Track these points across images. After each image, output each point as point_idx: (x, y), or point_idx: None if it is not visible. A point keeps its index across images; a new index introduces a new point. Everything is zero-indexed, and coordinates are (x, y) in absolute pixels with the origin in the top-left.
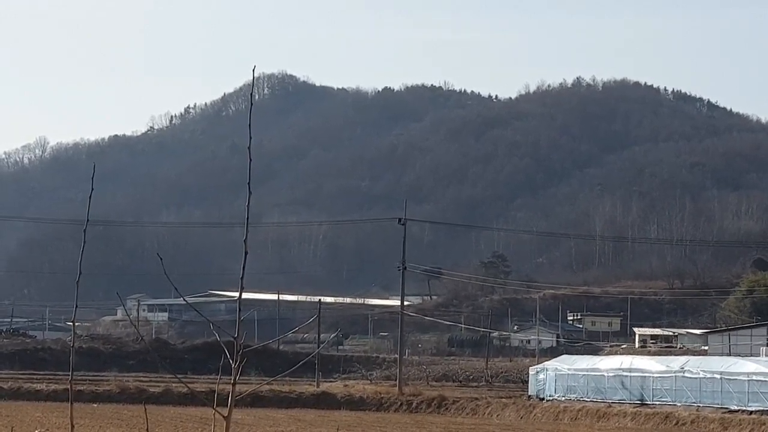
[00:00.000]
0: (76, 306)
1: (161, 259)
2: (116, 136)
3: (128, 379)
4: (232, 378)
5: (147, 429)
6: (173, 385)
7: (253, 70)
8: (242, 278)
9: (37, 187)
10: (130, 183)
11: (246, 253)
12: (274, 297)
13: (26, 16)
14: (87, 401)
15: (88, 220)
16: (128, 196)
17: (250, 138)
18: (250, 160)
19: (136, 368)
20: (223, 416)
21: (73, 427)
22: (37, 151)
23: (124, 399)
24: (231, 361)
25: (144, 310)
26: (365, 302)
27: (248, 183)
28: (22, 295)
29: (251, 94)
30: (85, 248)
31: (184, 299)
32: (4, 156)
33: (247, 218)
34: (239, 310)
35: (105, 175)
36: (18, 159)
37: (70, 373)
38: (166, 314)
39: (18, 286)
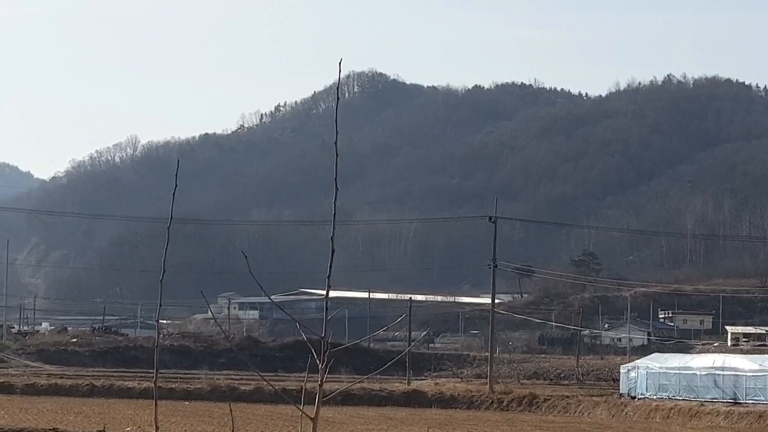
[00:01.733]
0: (160, 305)
1: (246, 257)
2: (207, 134)
3: (219, 377)
4: (319, 379)
5: (233, 428)
6: (264, 383)
7: (340, 63)
8: (329, 276)
9: (128, 186)
10: (221, 181)
11: (333, 250)
12: (364, 295)
13: (118, 18)
14: (178, 399)
15: (171, 217)
16: (219, 195)
17: (337, 133)
18: (337, 155)
19: (227, 366)
20: (310, 417)
21: (157, 428)
22: (128, 149)
23: (215, 397)
24: (318, 361)
25: (235, 308)
26: (456, 300)
27: (335, 179)
28: (114, 293)
29: (338, 87)
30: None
31: (269, 298)
32: (96, 155)
33: (334, 214)
34: (326, 308)
35: (196, 174)
36: (110, 157)
37: (154, 371)
38: (257, 312)
39: (110, 284)
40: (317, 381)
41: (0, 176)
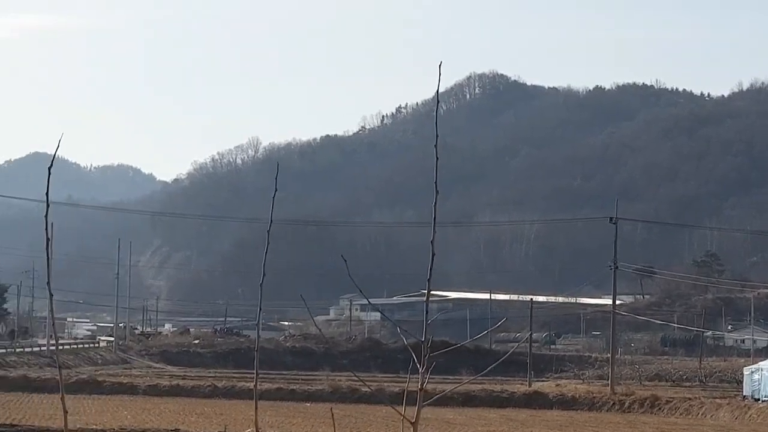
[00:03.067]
0: (260, 309)
1: (345, 261)
2: (328, 136)
3: (340, 379)
4: (419, 382)
5: (334, 429)
6: (385, 383)
7: (440, 66)
8: (429, 279)
9: (249, 188)
10: (342, 183)
11: (433, 254)
12: (486, 296)
13: (240, 20)
14: (300, 400)
15: (271, 221)
16: (340, 196)
17: (437, 136)
18: (437, 159)
19: (349, 367)
20: (411, 422)
21: (257, 430)
22: (249, 151)
23: (337, 398)
24: (418, 365)
25: (357, 310)
26: (577, 301)
27: (435, 182)
28: (236, 294)
29: (437, 91)
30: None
31: (368, 301)
32: (217, 156)
33: (434, 218)
34: (426, 311)
35: (316, 175)
36: (231, 159)
37: (255, 373)
38: (378, 314)
39: (232, 285)
40: (420, 382)
41: (123, 179)
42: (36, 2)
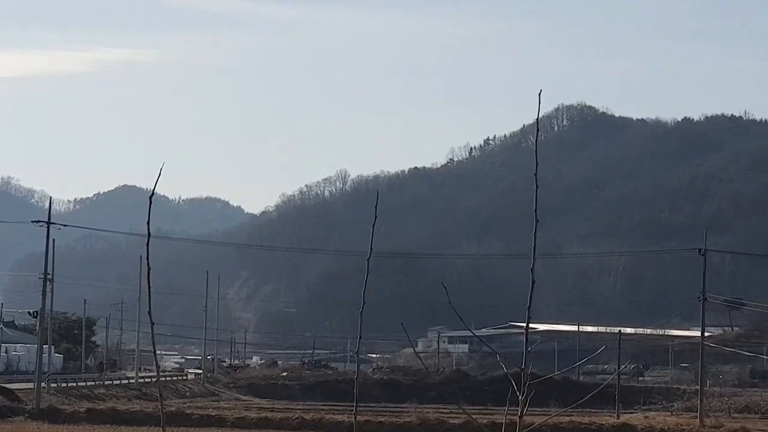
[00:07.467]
0: (360, 337)
1: (446, 289)
2: (416, 168)
3: (428, 411)
4: (519, 411)
5: None
6: (474, 416)
7: (539, 94)
8: (529, 308)
9: (337, 220)
10: (430, 215)
11: (533, 282)
12: (574, 328)
13: (329, 54)
14: None
15: (371, 249)
16: (428, 229)
17: (537, 164)
18: (537, 186)
19: (437, 400)
20: None
21: None
22: (338, 183)
23: (424, 431)
24: (518, 393)
25: (444, 342)
26: (665, 333)
27: (534, 210)
28: (323, 327)
29: (537, 119)
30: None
31: (471, 331)
32: (305, 189)
33: (534, 246)
34: (526, 339)
35: (405, 207)
36: (319, 192)
37: (354, 404)
38: (466, 346)
39: (319, 318)
40: (517, 414)
41: (211, 211)
42: (124, 37)
